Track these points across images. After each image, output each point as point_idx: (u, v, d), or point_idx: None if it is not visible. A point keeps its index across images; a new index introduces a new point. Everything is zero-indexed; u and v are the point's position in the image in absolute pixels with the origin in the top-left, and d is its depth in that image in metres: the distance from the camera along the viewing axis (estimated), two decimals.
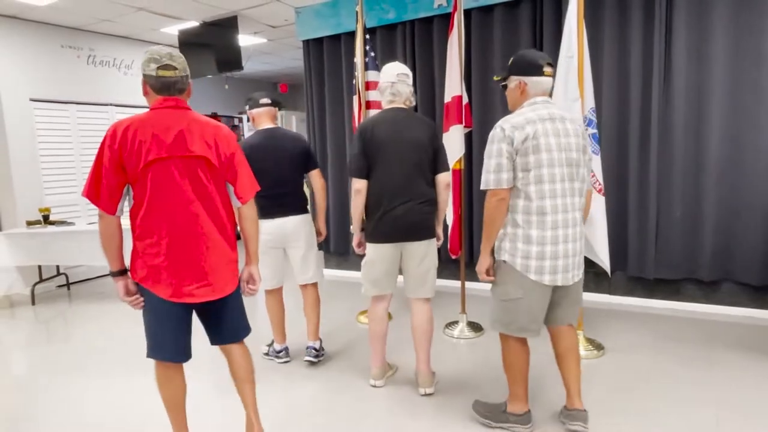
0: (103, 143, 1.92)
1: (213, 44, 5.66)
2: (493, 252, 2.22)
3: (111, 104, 6.04)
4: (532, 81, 2.14)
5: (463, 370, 3.06)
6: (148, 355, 2.05)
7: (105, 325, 4.17)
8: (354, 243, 2.82)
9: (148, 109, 2.03)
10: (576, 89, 3.04)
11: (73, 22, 5.44)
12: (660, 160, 3.85)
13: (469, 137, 4.08)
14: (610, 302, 4.19)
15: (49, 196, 5.49)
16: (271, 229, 3.11)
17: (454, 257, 3.70)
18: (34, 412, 2.79)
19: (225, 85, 8.62)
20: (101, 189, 1.91)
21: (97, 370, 3.29)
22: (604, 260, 3.26)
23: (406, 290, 2.77)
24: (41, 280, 5.10)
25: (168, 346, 2.04)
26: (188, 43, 5.87)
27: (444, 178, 2.74)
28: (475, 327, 3.71)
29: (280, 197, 3.10)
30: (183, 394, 2.16)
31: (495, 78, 2.39)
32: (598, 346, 3.26)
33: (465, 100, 3.46)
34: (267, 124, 3.21)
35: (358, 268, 5.37)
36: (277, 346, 3.31)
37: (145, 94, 2.05)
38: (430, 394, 2.77)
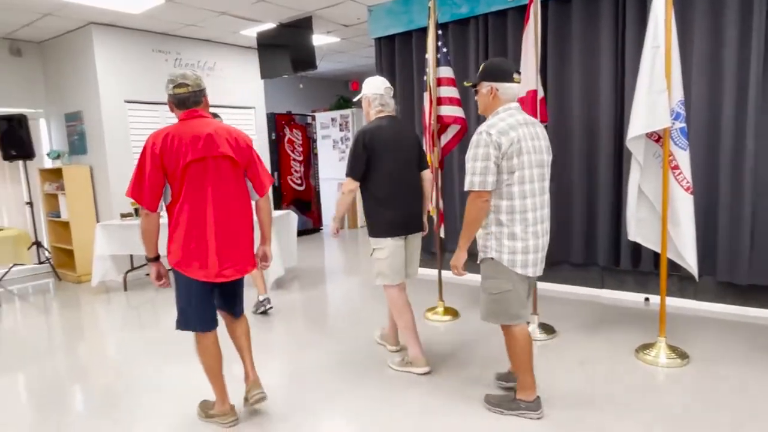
0: (144, 151, 2.28)
1: (288, 45, 5.85)
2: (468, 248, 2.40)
3: None
4: (503, 86, 2.31)
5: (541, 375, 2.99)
6: (177, 328, 2.43)
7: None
8: (332, 230, 3.17)
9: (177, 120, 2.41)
10: (663, 81, 2.86)
11: (163, 27, 5.81)
12: (757, 156, 3.54)
13: None
14: (696, 308, 3.91)
15: None
16: None
17: None
18: (127, 393, 3.03)
19: (300, 84, 8.89)
20: (144, 190, 2.26)
21: (182, 355, 3.52)
22: (690, 263, 3.06)
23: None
24: (132, 269, 5.51)
25: (197, 319, 2.40)
26: (265, 44, 6.10)
27: (428, 174, 3.17)
28: (547, 329, 3.59)
29: None
30: (220, 361, 2.50)
31: (466, 83, 2.61)
32: (682, 355, 3.05)
33: (540, 94, 3.36)
34: None
35: (424, 264, 5.38)
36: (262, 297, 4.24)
37: (171, 110, 2.43)
38: (426, 372, 3.01)
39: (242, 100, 6.97)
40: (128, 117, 5.82)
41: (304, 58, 5.79)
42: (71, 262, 5.82)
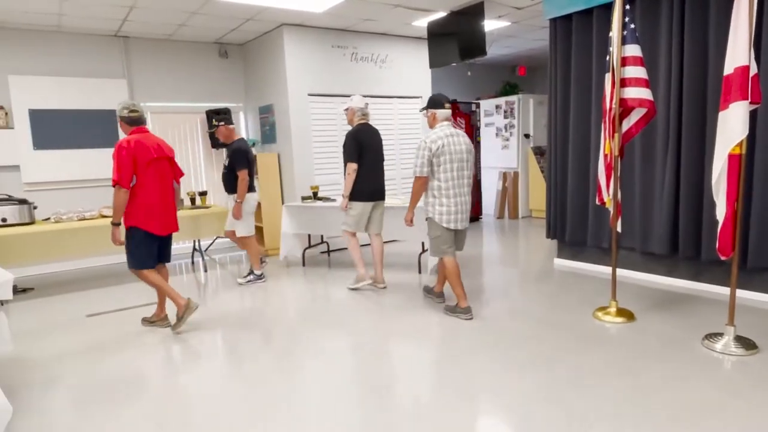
0: (121, 151, 3.48)
1: (458, 32, 5.86)
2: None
3: (368, 95, 6.75)
4: (439, 111, 3.80)
5: (715, 394, 2.62)
6: (136, 267, 3.70)
7: (354, 291, 4.79)
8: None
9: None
10: None
11: (342, 24, 6.23)
12: None
13: (752, 116, 3.38)
14: None
15: (318, 176, 6.48)
16: (255, 197, 5.27)
17: (723, 258, 3.11)
18: (299, 351, 3.39)
19: (468, 71, 8.83)
20: (124, 176, 3.48)
21: (350, 328, 3.82)
22: None
23: (370, 229, 4.73)
24: (309, 246, 6.07)
25: (149, 260, 3.74)
26: (436, 33, 6.19)
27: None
28: (746, 343, 3.11)
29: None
30: (161, 278, 3.80)
31: (420, 110, 4.19)
32: None
33: (753, 71, 2.87)
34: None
35: (594, 260, 5.05)
36: (258, 272, 5.25)
37: (121, 127, 3.69)
38: (384, 287, 4.66)
39: (411, 90, 7.19)
40: (310, 109, 6.38)
41: (473, 45, 5.73)
42: (260, 238, 6.61)
